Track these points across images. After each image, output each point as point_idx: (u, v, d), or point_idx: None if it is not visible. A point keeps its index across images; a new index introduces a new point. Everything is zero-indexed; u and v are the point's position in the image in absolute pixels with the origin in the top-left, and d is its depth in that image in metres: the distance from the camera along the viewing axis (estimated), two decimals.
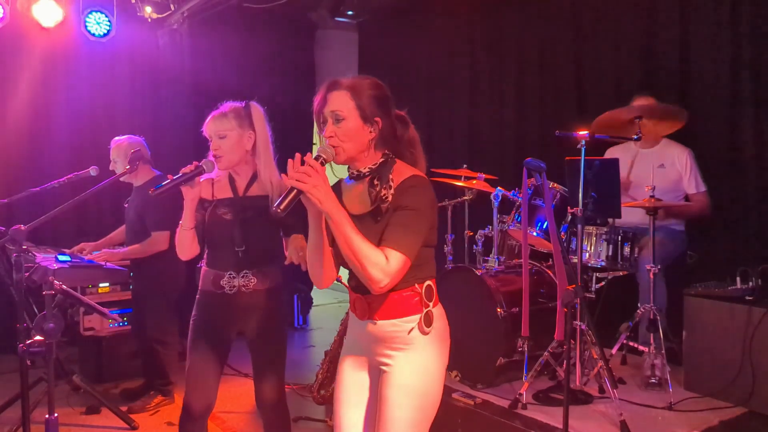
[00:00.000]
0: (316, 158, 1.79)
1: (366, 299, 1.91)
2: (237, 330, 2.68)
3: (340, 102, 1.86)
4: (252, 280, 2.58)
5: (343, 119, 1.86)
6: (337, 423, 2.03)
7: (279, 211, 1.75)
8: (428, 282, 1.91)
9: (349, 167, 1.98)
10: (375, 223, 1.86)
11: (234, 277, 2.57)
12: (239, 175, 2.64)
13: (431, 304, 1.90)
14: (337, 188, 2.03)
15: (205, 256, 2.67)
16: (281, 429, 2.77)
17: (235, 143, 2.57)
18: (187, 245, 2.55)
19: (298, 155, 1.74)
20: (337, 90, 1.88)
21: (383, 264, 1.75)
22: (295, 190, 1.74)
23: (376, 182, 1.89)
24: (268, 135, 2.64)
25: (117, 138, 4.01)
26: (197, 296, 2.68)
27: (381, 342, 1.92)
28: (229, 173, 2.65)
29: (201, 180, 2.51)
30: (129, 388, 4.26)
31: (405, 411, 1.86)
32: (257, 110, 2.64)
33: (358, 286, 1.92)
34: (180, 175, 2.41)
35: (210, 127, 2.59)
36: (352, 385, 2.02)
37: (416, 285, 1.88)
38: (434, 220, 1.90)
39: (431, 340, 1.90)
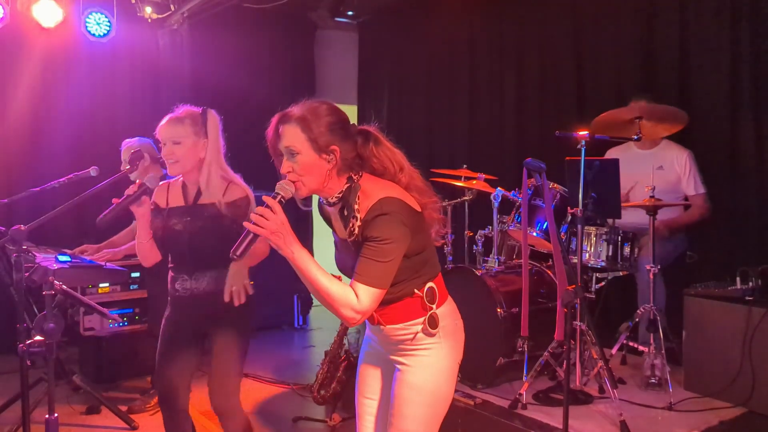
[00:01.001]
0: (274, 196, 1.77)
1: None
2: (201, 331, 2.67)
3: (292, 136, 1.81)
4: (202, 283, 2.58)
5: (297, 153, 1.81)
6: (357, 411, 2.12)
7: (236, 257, 1.73)
8: (429, 284, 1.91)
9: (318, 197, 1.96)
10: (354, 251, 1.85)
11: (186, 280, 2.60)
12: (190, 182, 2.64)
13: (434, 305, 1.91)
14: (323, 207, 2.03)
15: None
16: None
17: (189, 150, 2.55)
18: (145, 254, 2.64)
19: (265, 198, 1.74)
20: (288, 123, 1.83)
21: (353, 303, 1.75)
22: (252, 234, 1.72)
23: (345, 212, 1.88)
24: (220, 145, 2.62)
25: (128, 140, 4.02)
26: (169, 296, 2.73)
27: (392, 344, 1.97)
28: (182, 180, 2.66)
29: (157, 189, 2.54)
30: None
31: (416, 408, 1.90)
32: (213, 118, 2.62)
33: None
34: (124, 197, 2.47)
35: (165, 131, 2.56)
36: (368, 376, 2.09)
37: (416, 291, 1.90)
38: (412, 234, 1.83)
39: (440, 340, 1.92)
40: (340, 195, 1.87)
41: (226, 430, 2.71)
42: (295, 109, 1.84)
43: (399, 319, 1.91)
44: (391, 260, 1.78)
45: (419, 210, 1.88)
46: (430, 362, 1.91)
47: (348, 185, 1.87)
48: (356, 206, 1.83)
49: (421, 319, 1.89)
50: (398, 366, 1.95)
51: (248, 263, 2.54)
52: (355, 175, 1.87)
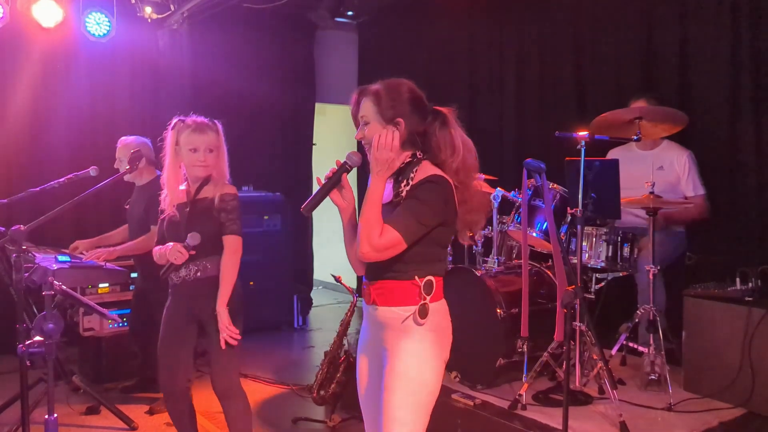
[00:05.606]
0: (343, 164, 2.02)
1: (370, 285, 2.07)
2: (194, 317, 2.86)
3: (365, 107, 2.07)
4: (192, 270, 2.78)
5: (368, 123, 2.05)
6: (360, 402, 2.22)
7: (305, 211, 1.98)
8: (430, 277, 2.01)
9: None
10: (389, 212, 2.00)
11: (179, 268, 2.78)
12: (193, 180, 2.85)
13: (429, 297, 2.00)
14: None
15: None
16: (239, 416, 2.87)
17: (220, 156, 2.82)
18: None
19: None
20: (364, 96, 2.08)
21: (375, 237, 1.92)
22: (324, 189, 1.99)
23: (400, 179, 2.05)
24: (225, 150, 2.89)
25: (124, 137, 4.03)
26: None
27: (381, 327, 2.06)
28: (187, 180, 2.87)
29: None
30: (128, 385, 4.29)
31: (400, 395, 1.97)
32: (219, 127, 2.88)
33: (367, 272, 2.10)
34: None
35: (199, 140, 2.76)
36: (363, 368, 2.18)
37: (416, 278, 1.99)
38: (446, 219, 2.01)
39: (426, 332, 2.00)
40: (402, 166, 2.06)
41: (227, 413, 2.86)
42: (373, 85, 2.09)
43: (392, 302, 2.01)
44: (421, 219, 1.94)
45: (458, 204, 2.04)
46: (413, 350, 1.98)
47: (410, 160, 2.07)
48: (412, 175, 2.02)
49: (413, 307, 1.98)
50: (384, 353, 2.03)
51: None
52: (419, 153, 2.07)
